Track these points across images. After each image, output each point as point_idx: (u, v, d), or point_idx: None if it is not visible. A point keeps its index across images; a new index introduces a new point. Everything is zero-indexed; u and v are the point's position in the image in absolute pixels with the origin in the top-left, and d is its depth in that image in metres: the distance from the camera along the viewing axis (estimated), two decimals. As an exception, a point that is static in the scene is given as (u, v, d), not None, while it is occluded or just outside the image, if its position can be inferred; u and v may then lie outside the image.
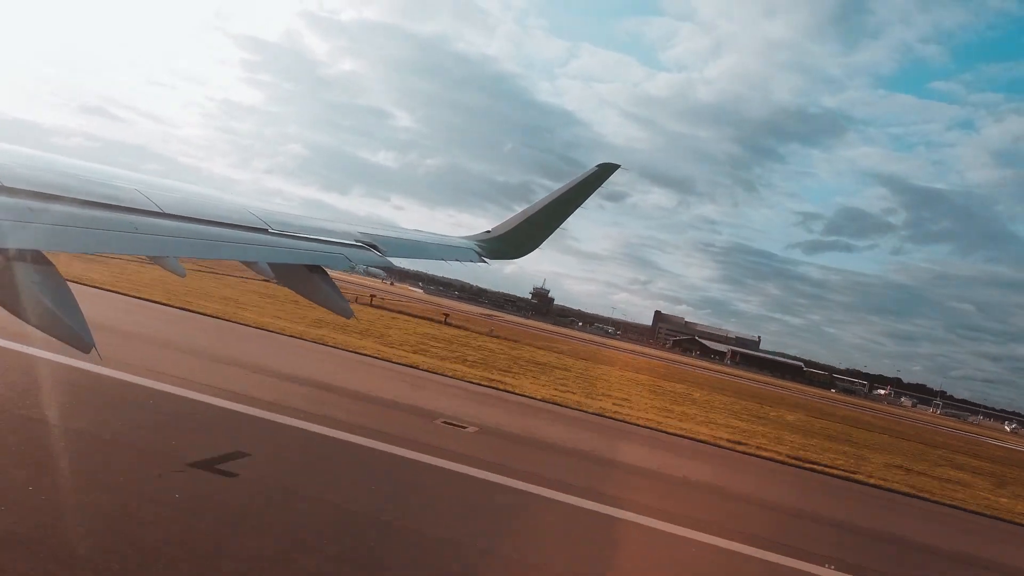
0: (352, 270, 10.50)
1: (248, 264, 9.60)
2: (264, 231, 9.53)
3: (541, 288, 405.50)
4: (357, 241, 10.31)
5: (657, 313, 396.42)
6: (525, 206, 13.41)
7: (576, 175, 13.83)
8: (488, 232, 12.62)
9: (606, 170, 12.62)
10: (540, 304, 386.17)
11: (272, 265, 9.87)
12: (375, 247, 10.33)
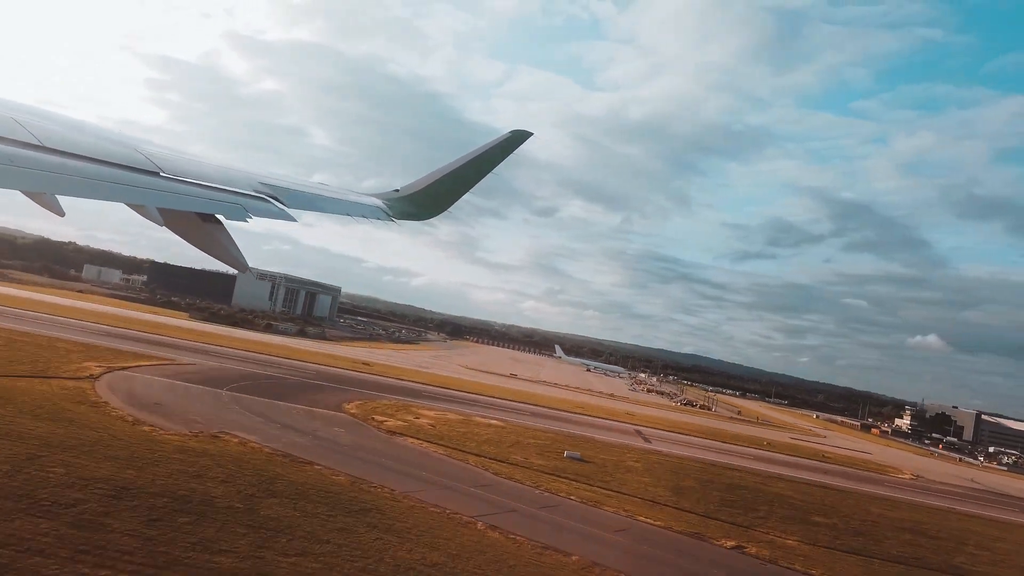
0: (248, 220, 9.86)
1: (135, 208, 9.05)
2: (155, 174, 9.00)
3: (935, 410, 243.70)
4: (257, 192, 9.89)
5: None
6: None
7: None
8: (396, 191, 12.37)
9: (518, 137, 12.60)
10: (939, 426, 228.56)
11: (162, 211, 9.35)
12: (276, 199, 9.95)
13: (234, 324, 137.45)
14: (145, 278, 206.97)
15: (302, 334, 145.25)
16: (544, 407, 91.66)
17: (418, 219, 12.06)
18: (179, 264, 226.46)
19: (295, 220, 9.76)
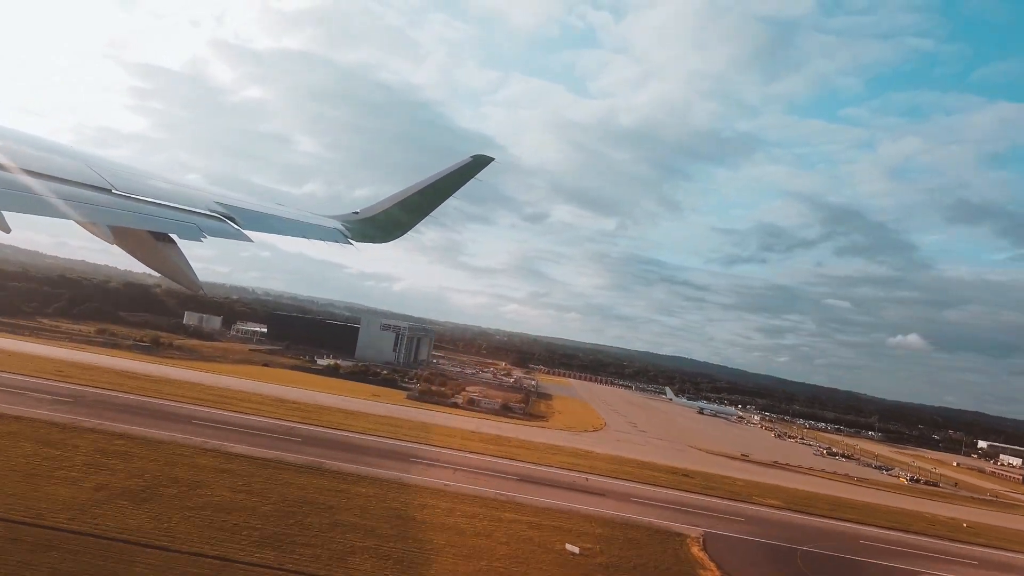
0: (202, 240, 9.61)
1: (84, 226, 8.81)
2: (107, 191, 8.79)
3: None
4: (212, 211, 9.73)
5: None
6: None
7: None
8: (356, 213, 12.22)
9: (480, 162, 12.61)
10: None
11: (114, 229, 9.12)
12: (231, 219, 9.80)
13: (443, 402, 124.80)
14: (264, 329, 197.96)
15: (508, 410, 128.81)
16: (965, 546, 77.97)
17: (377, 242, 11.95)
18: (293, 314, 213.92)
19: (251, 241, 9.61)
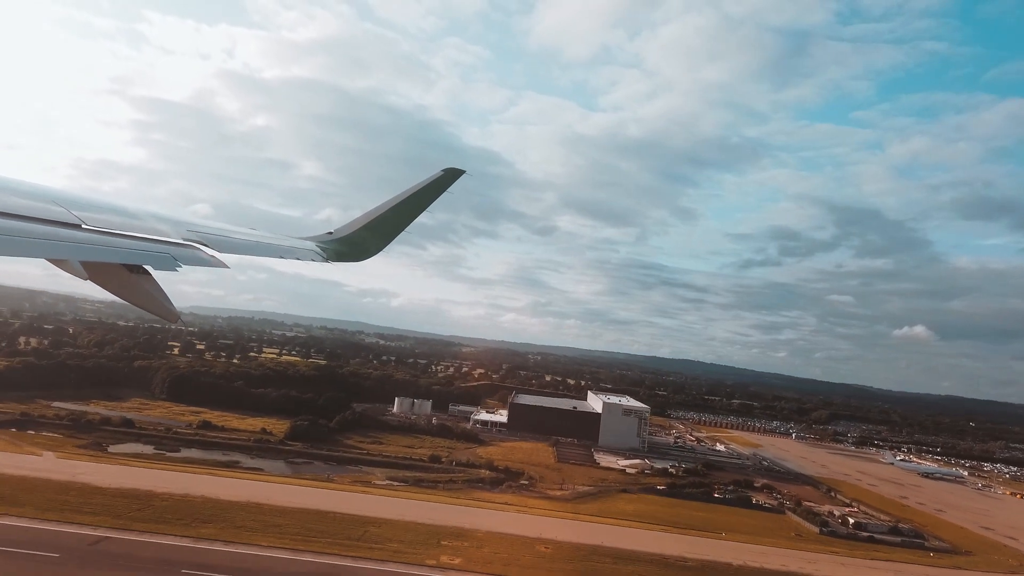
0: (177, 269, 9.53)
1: (56, 263, 8.77)
2: (77, 227, 8.74)
3: None
4: (185, 239, 9.71)
5: None
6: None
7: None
8: (330, 233, 12.25)
9: (451, 175, 12.69)
10: None
11: (86, 264, 9.07)
12: (205, 244, 9.78)
13: (847, 533, 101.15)
14: (501, 418, 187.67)
15: (898, 534, 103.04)
16: None
17: (353, 260, 11.97)
18: (527, 403, 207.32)
19: (227, 267, 9.60)
